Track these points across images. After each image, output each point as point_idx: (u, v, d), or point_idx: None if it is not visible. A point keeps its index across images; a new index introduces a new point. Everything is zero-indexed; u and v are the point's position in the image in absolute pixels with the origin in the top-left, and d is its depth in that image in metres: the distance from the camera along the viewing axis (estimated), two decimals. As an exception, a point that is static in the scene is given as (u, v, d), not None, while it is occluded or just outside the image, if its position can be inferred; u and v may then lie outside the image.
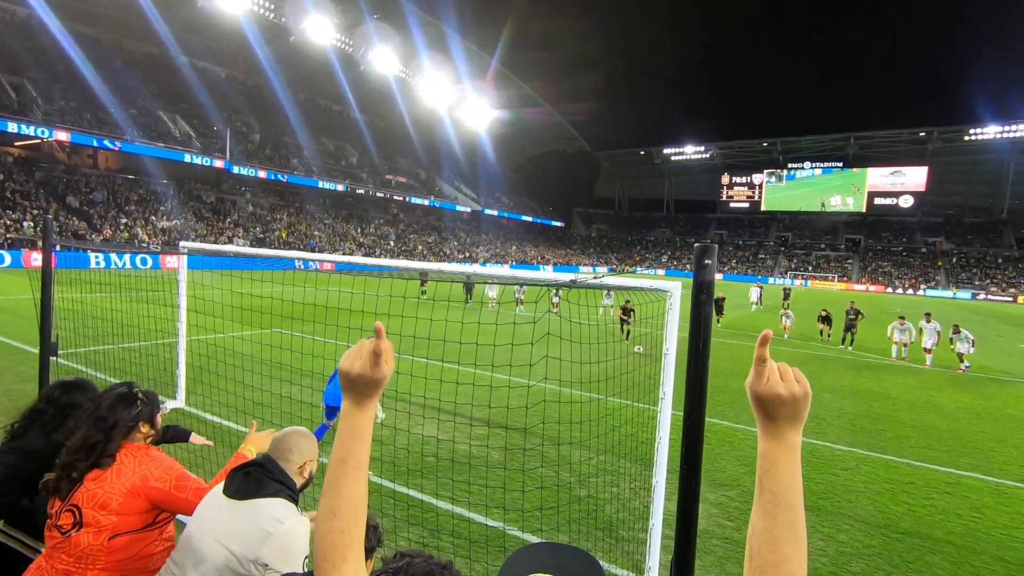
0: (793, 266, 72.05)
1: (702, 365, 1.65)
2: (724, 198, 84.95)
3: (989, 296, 56.50)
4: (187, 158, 38.26)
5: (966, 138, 66.48)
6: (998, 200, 69.91)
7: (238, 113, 48.13)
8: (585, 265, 73.84)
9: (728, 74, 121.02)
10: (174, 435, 3.44)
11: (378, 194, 54.00)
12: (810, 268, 70.99)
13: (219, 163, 40.07)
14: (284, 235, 42.92)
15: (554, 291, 16.56)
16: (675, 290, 4.04)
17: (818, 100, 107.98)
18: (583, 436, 6.47)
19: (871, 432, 8.41)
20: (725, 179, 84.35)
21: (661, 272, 75.32)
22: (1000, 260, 63.94)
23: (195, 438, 3.35)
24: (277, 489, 1.98)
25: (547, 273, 4.46)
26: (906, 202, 72.57)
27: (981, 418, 9.69)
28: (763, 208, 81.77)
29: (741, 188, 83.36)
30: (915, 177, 71.46)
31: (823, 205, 77.37)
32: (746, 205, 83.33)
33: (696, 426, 1.75)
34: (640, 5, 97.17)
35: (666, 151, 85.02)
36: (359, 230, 51.21)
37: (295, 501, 2.02)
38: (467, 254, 57.86)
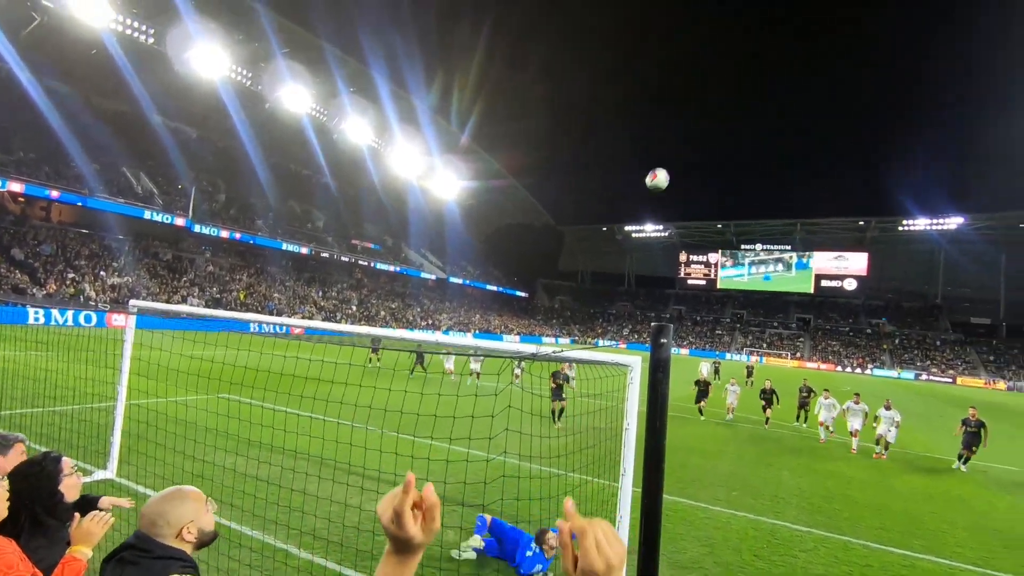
0: (748, 343, 74.13)
1: (659, 442, 1.67)
2: (682, 275, 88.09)
3: (930, 377, 59.09)
4: (147, 215, 37.61)
5: (900, 228, 71.90)
6: (932, 287, 74.83)
7: (206, 173, 48.07)
8: (548, 336, 74.12)
9: (686, 157, 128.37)
10: (87, 504, 3.11)
11: (343, 258, 53.82)
12: (764, 345, 73.16)
13: (180, 221, 39.48)
14: (242, 296, 41.86)
15: (516, 362, 16.34)
16: (635, 364, 4.10)
17: (768, 187, 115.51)
18: (543, 514, 6.25)
19: (828, 512, 8.42)
20: (683, 257, 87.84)
21: (623, 345, 76.18)
22: (938, 343, 67.53)
23: (106, 501, 2.98)
24: (164, 565, 1.73)
25: (509, 344, 4.41)
26: (850, 285, 76.76)
27: (932, 499, 9.85)
28: (718, 287, 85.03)
29: (698, 266, 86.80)
30: (857, 262, 76.10)
31: (775, 287, 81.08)
32: (703, 283, 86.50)
33: (654, 505, 1.74)
34: (600, 97, 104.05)
35: (627, 228, 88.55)
36: (321, 294, 50.46)
37: (192, 567, 1.78)
38: (430, 321, 57.45)
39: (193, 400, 10.80)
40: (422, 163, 63.93)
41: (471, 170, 69.00)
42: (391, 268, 59.09)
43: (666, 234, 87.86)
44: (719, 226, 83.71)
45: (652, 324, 1.68)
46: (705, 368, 29.50)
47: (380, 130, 57.77)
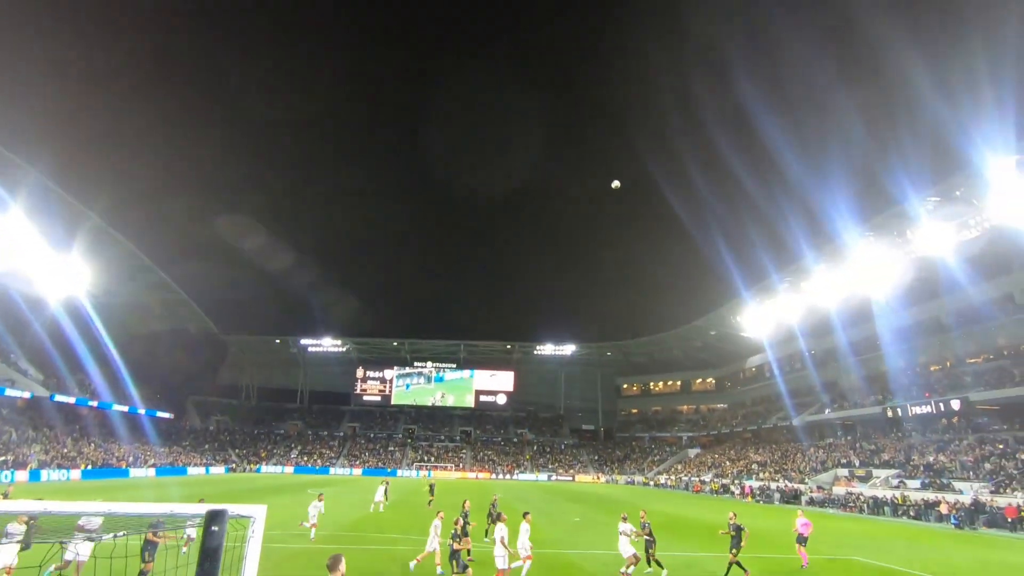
0: (418, 457, 76.73)
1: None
2: (358, 391, 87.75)
3: (558, 477, 71.06)
4: None
5: (536, 352, 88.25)
6: (557, 400, 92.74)
7: None
8: (197, 465, 62.20)
9: (363, 278, 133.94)
10: None
11: None
12: (433, 459, 76.82)
13: None
14: None
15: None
16: (258, 516, 3.77)
17: (437, 311, 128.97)
18: None
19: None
20: (360, 373, 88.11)
21: (289, 469, 69.30)
22: (562, 447, 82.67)
23: None
24: None
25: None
26: (501, 400, 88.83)
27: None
28: (393, 402, 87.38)
29: (374, 382, 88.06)
30: (506, 380, 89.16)
31: (443, 402, 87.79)
32: (378, 399, 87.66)
33: None
34: (269, 207, 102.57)
35: (304, 341, 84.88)
36: None
37: None
38: (12, 456, 41.84)
39: None
40: (31, 246, 48.61)
41: (106, 261, 55.89)
42: (-50, 383, 41.84)
43: (344, 349, 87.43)
44: (395, 343, 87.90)
45: (206, 511, 1.65)
46: (380, 491, 28.73)
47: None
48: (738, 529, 12.73)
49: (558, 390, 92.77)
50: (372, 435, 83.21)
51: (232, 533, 3.74)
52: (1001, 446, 35.51)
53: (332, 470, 70.60)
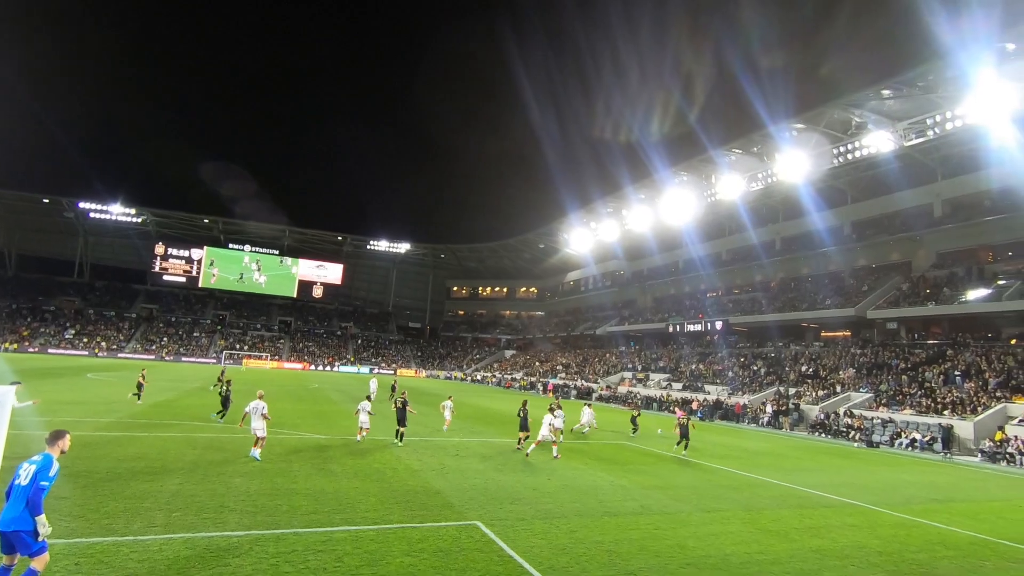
0: (229, 345, 71.89)
1: None
2: (157, 269, 77.43)
3: (379, 370, 72.54)
4: None
5: (368, 247, 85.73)
6: (387, 297, 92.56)
7: None
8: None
9: (174, 138, 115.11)
10: None
11: None
12: (246, 347, 72.61)
13: None
14: None
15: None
16: (6, 396, 3.27)
17: (261, 191, 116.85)
18: None
19: (270, 509, 8.95)
20: (160, 249, 77.37)
21: (63, 351, 60.23)
22: (387, 343, 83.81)
23: None
24: None
25: None
26: (328, 292, 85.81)
27: (359, 476, 11.92)
28: (201, 285, 79.08)
29: (178, 261, 78.23)
30: (334, 272, 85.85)
31: (261, 289, 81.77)
32: (183, 280, 78.52)
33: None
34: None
35: (83, 205, 71.07)
36: None
37: None
38: None
39: None
40: None
41: None
42: None
43: (139, 220, 75.47)
44: (206, 220, 78.34)
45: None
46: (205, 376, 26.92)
47: None
48: (684, 427, 18.21)
49: (388, 287, 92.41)
50: (174, 319, 75.29)
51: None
52: (743, 359, 44.75)
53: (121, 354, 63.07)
